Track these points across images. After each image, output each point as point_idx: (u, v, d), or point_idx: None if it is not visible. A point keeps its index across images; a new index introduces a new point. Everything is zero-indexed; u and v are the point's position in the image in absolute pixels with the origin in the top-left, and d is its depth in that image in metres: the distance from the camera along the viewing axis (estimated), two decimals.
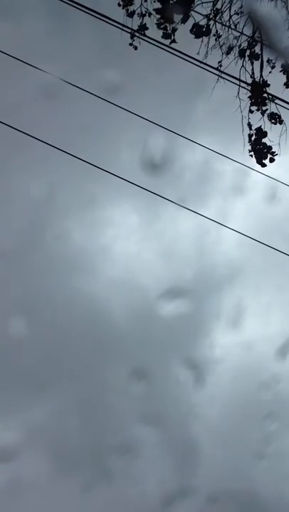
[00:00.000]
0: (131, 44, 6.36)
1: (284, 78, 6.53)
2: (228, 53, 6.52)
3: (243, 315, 6.73)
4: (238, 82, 6.41)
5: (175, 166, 6.08)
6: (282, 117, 6.47)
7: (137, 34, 6.30)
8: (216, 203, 6.78)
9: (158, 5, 6.27)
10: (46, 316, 6.53)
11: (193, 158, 6.57)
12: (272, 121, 6.49)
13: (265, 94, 6.51)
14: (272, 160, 6.44)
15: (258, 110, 6.49)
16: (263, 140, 6.50)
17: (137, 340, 6.68)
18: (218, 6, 6.45)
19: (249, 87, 6.46)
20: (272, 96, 6.49)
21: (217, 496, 6.35)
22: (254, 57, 6.54)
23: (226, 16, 6.49)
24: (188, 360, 6.67)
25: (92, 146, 6.30)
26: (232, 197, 6.81)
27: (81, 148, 5.75)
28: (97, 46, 6.40)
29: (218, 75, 6.35)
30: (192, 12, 6.29)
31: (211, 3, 6.41)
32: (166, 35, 6.15)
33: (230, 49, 6.52)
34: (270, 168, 6.44)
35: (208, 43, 6.40)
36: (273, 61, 6.49)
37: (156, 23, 6.20)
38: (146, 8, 6.35)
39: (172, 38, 6.13)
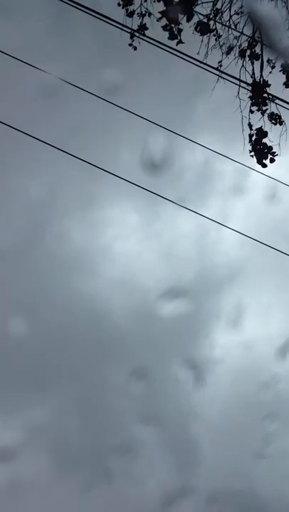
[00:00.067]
0: (131, 44, 6.37)
1: (284, 78, 6.53)
2: (228, 53, 6.52)
3: (243, 315, 6.72)
4: (238, 82, 6.41)
5: (175, 165, 6.08)
6: (283, 117, 6.48)
7: (137, 34, 6.31)
8: (216, 203, 6.79)
9: (158, 5, 6.27)
10: (46, 316, 6.53)
11: (193, 158, 6.58)
12: (273, 121, 6.49)
13: (266, 94, 6.51)
14: (272, 160, 6.44)
15: (258, 110, 6.49)
16: (263, 140, 6.50)
17: (137, 341, 6.69)
18: (218, 6, 6.45)
19: (249, 87, 6.46)
20: (273, 96, 6.49)
21: (217, 496, 6.34)
22: (254, 57, 6.54)
23: (226, 16, 6.50)
24: (188, 360, 6.67)
25: (92, 146, 6.30)
26: (232, 197, 6.82)
27: (81, 148, 5.75)
28: (97, 46, 6.40)
29: (218, 75, 6.35)
30: (192, 12, 6.29)
31: (211, 3, 6.41)
32: (172, 36, 6.15)
33: (230, 49, 6.52)
34: (271, 168, 6.45)
35: (208, 42, 6.41)
36: (273, 61, 6.50)
37: (162, 26, 6.18)
38: (146, 8, 6.35)
39: (179, 38, 6.14)
